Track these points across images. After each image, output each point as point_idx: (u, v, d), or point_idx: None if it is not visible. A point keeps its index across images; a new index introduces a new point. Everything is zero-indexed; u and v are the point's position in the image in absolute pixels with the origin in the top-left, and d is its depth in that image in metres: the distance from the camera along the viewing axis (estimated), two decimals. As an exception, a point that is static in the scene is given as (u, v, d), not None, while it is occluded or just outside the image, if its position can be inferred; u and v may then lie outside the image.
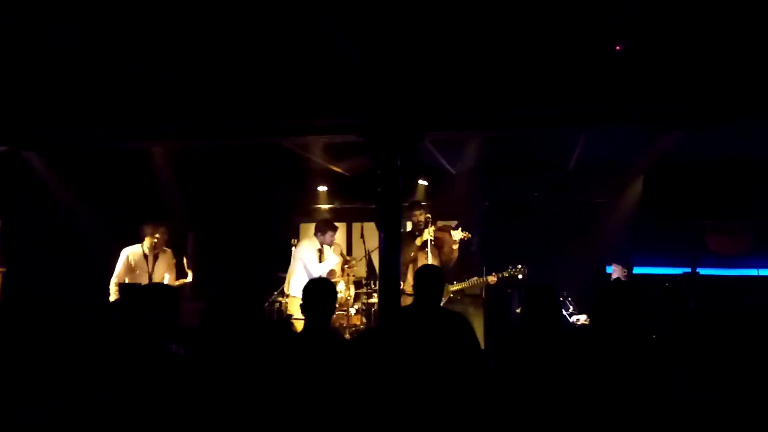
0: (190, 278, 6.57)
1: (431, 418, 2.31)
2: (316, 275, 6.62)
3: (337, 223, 8.83)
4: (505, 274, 6.83)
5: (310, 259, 6.93)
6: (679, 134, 5.90)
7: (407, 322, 3.83)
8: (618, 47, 4.43)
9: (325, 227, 7.09)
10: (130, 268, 6.23)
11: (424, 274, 3.95)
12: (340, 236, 9.18)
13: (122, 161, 7.00)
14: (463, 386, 3.56)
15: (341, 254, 7.44)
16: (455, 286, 6.76)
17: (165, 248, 6.47)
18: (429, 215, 6.75)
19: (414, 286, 3.97)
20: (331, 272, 7.09)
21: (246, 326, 2.43)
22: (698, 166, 6.94)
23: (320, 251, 7.04)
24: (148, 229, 6.31)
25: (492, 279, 6.86)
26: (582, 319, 6.50)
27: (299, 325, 6.23)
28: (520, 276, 6.81)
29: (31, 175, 6.32)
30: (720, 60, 4.40)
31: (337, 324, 7.06)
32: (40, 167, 6.40)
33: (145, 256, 6.29)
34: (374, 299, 7.24)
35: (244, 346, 2.37)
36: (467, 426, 2.47)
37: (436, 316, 3.84)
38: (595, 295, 3.94)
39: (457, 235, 6.68)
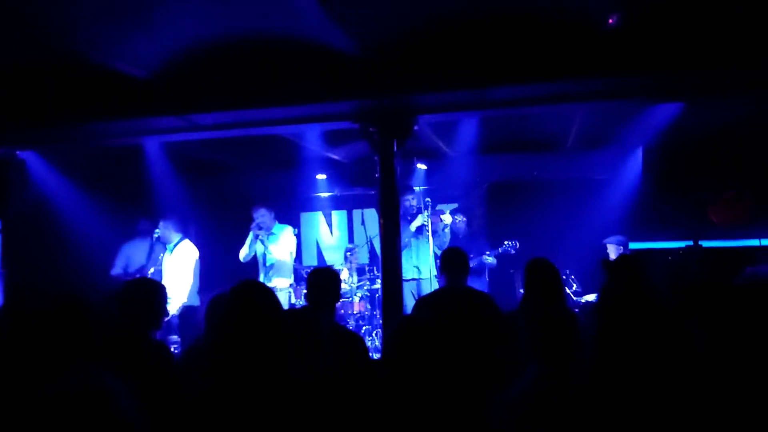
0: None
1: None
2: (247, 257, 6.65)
3: (336, 211, 8.79)
4: (500, 251, 6.92)
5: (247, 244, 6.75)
6: (675, 107, 5.85)
7: (440, 304, 3.91)
8: (610, 20, 4.37)
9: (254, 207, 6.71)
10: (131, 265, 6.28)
11: (447, 256, 4.14)
12: (337, 222, 9.20)
13: (120, 158, 7.00)
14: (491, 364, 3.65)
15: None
16: None
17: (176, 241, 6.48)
18: (428, 198, 6.74)
19: (441, 269, 4.16)
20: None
21: (267, 315, 2.38)
22: (696, 138, 6.87)
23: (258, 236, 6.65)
24: (146, 225, 6.33)
25: (488, 258, 6.92)
26: (587, 297, 6.50)
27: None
28: (512, 251, 6.89)
29: (29, 175, 6.34)
30: (714, 31, 4.33)
31: (342, 311, 7.08)
32: (37, 167, 6.43)
33: (151, 251, 6.31)
34: (377, 285, 7.25)
35: (265, 335, 2.32)
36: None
37: (466, 296, 3.95)
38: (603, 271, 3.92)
39: (447, 218, 6.71)
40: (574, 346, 2.48)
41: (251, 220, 6.64)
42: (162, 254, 6.46)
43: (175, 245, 6.37)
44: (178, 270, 6.30)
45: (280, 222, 6.93)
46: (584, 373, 2.36)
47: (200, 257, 6.54)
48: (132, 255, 6.63)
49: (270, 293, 2.46)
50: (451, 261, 4.14)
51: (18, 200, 6.20)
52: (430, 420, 2.07)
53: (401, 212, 6.80)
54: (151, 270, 6.36)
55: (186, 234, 6.60)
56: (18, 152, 6.23)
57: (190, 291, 6.26)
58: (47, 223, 6.52)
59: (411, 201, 6.73)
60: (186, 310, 6.12)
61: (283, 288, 6.63)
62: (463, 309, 3.86)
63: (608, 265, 3.99)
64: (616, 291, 3.41)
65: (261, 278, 6.55)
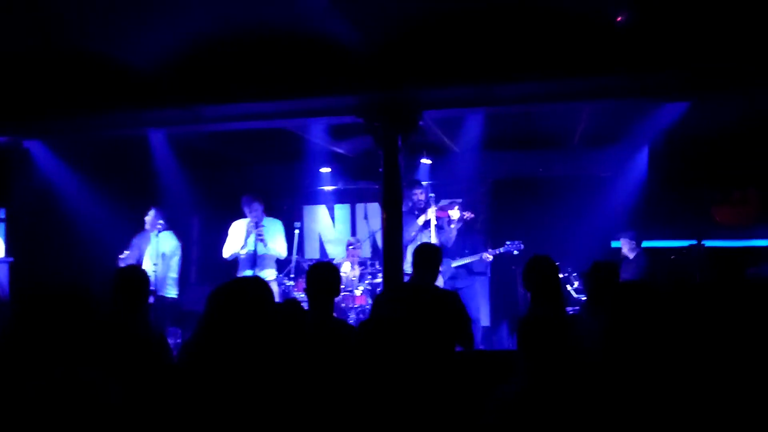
0: None
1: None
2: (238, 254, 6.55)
3: (339, 205, 8.78)
4: (501, 250, 6.85)
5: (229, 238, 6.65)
6: (682, 105, 5.82)
7: (401, 301, 3.84)
8: (619, 18, 4.35)
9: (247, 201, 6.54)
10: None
11: (421, 252, 3.99)
12: (342, 216, 9.22)
13: (125, 149, 7.01)
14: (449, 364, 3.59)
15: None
16: (457, 262, 6.81)
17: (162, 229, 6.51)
18: (433, 194, 6.72)
19: (412, 264, 4.02)
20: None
21: (256, 313, 2.37)
22: (702, 138, 6.83)
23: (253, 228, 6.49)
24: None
25: (487, 256, 6.86)
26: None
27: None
28: (515, 252, 6.83)
29: (34, 164, 6.35)
30: (720, 29, 4.31)
31: (343, 305, 7.09)
32: (42, 156, 6.43)
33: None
34: (379, 279, 7.25)
35: (253, 334, 2.31)
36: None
37: (431, 295, 3.86)
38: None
39: (455, 214, 6.66)
40: (565, 349, 2.47)
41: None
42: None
43: (157, 234, 6.41)
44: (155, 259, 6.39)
45: (282, 216, 6.94)
46: (577, 376, 2.35)
47: (202, 249, 6.56)
48: (143, 246, 6.63)
49: (266, 287, 2.45)
50: (422, 257, 3.98)
51: (22, 189, 6.21)
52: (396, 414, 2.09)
53: (409, 206, 6.79)
54: (126, 253, 6.38)
55: (187, 225, 6.63)
56: (23, 141, 6.24)
57: (169, 282, 6.32)
58: (52, 212, 6.53)
59: (419, 195, 6.67)
60: (160, 301, 6.14)
61: (271, 279, 6.62)
62: (424, 306, 3.73)
63: (584, 275, 4.01)
64: (600, 296, 3.42)
65: (247, 271, 6.46)
